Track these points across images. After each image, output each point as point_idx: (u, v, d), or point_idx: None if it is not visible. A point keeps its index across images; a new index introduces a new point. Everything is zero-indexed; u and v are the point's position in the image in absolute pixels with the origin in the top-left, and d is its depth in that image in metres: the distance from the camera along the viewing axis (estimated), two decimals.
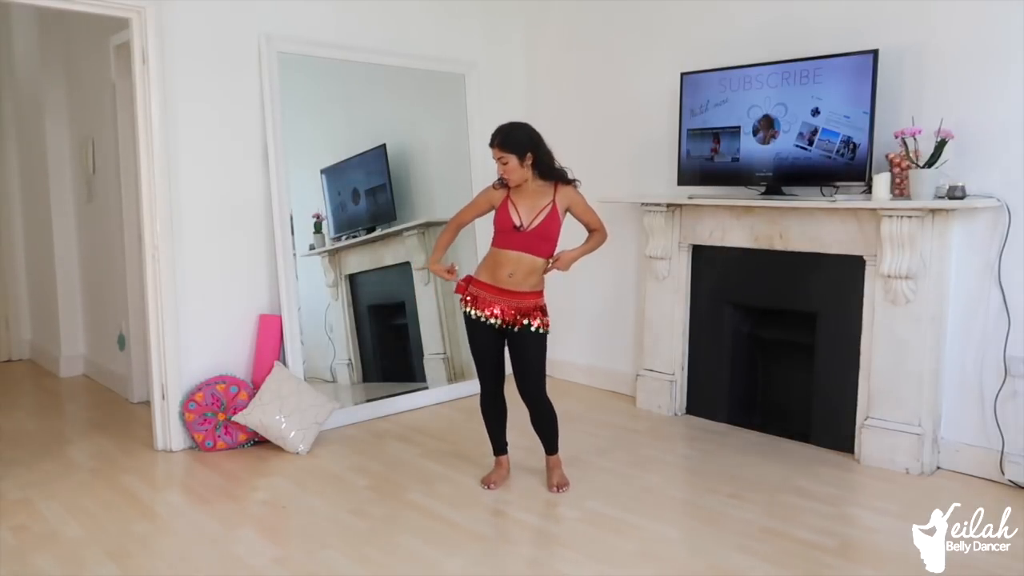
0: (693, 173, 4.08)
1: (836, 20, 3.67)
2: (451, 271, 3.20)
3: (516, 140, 3.04)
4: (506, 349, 3.21)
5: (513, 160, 3.03)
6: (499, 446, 3.36)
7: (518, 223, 3.07)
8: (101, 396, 4.81)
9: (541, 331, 3.13)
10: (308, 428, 3.74)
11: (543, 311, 3.16)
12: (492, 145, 3.07)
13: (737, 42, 4.01)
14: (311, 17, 4.12)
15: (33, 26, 5.16)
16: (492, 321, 3.10)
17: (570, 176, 3.16)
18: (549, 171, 3.11)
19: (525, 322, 3.10)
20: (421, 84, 4.57)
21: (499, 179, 3.15)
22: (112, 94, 4.43)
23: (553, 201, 3.10)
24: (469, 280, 3.20)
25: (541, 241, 3.08)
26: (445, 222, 4.52)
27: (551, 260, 3.14)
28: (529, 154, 3.04)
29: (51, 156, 5.13)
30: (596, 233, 3.24)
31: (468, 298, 3.16)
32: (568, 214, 3.17)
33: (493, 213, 3.17)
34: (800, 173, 3.68)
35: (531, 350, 3.14)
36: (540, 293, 3.17)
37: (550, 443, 3.31)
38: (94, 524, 2.98)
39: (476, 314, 3.13)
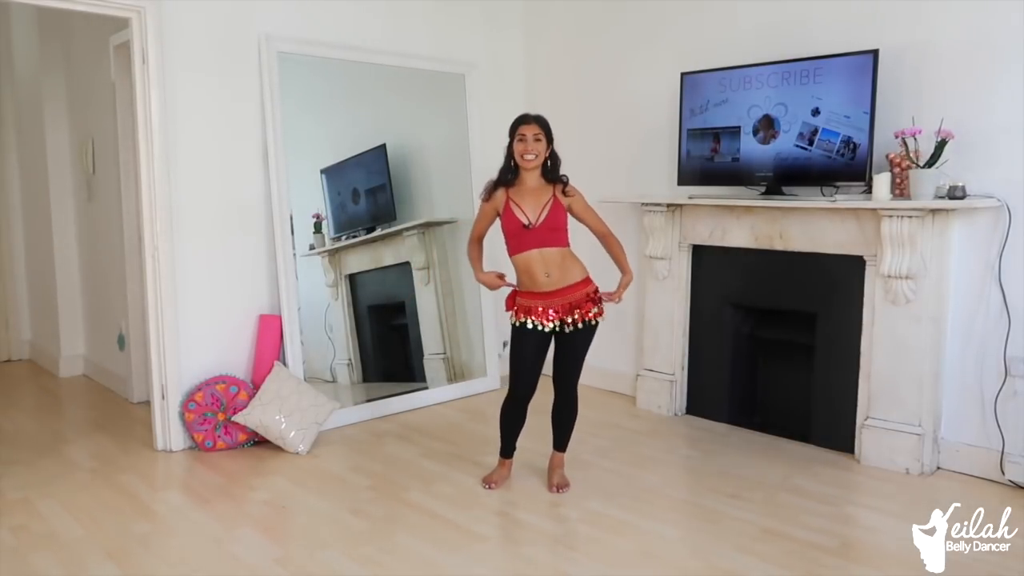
0: (693, 173, 4.08)
1: (836, 20, 3.67)
2: (501, 277, 3.19)
3: (548, 126, 3.12)
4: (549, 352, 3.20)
5: (544, 141, 3.08)
6: (508, 449, 3.33)
7: (526, 221, 3.07)
8: (101, 396, 4.81)
9: (593, 323, 3.13)
10: (308, 428, 3.73)
11: (595, 298, 3.14)
12: (527, 122, 3.08)
13: (737, 42, 4.02)
14: (311, 17, 4.13)
15: (33, 26, 5.16)
16: (551, 326, 3.09)
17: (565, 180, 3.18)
18: (556, 169, 3.15)
19: (587, 317, 3.09)
20: (421, 84, 4.57)
21: (495, 179, 3.16)
22: (112, 94, 4.43)
23: (554, 195, 3.11)
24: (516, 294, 3.18)
25: (553, 232, 3.08)
26: (445, 222, 4.61)
27: (613, 294, 3.17)
28: (551, 145, 3.12)
29: (51, 156, 5.13)
30: (611, 240, 3.22)
31: (518, 311, 3.13)
32: (568, 214, 3.17)
33: (499, 222, 3.17)
34: (800, 173, 3.68)
35: (583, 340, 3.16)
36: (587, 280, 3.15)
37: (562, 438, 3.31)
38: (94, 524, 2.98)
39: (533, 323, 3.09)
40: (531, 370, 3.17)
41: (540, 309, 3.09)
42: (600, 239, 3.25)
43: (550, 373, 3.25)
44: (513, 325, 3.16)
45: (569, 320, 3.09)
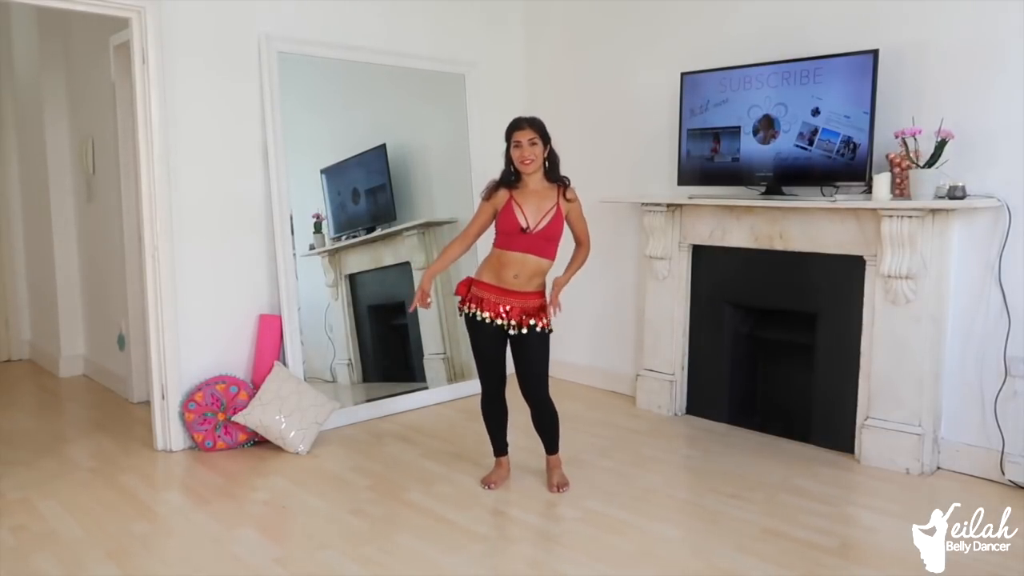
0: (693, 173, 4.08)
1: (836, 20, 3.67)
2: (428, 300, 3.17)
3: (543, 127, 3.11)
4: (508, 349, 3.21)
5: (540, 145, 3.08)
6: (499, 447, 3.35)
7: (525, 225, 3.06)
8: (101, 396, 4.81)
9: (546, 331, 3.14)
10: (308, 428, 3.73)
11: (544, 312, 3.16)
12: (521, 127, 3.07)
13: (737, 42, 4.01)
14: (311, 17, 4.13)
15: (33, 26, 5.16)
16: (498, 322, 3.10)
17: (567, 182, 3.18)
18: (556, 169, 3.15)
19: (531, 322, 3.10)
20: (421, 84, 4.57)
21: (498, 179, 3.15)
22: (112, 94, 4.43)
23: (557, 203, 3.11)
24: (471, 282, 3.19)
25: (546, 242, 3.09)
26: (445, 222, 4.60)
27: (551, 304, 3.15)
28: (548, 145, 3.12)
29: (51, 156, 5.13)
30: (582, 249, 3.25)
31: (469, 300, 3.16)
32: (565, 222, 3.17)
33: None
34: (800, 173, 3.68)
35: (535, 350, 3.14)
36: (543, 293, 3.18)
37: (551, 443, 3.31)
38: (94, 524, 2.98)
39: (481, 316, 3.12)
40: (494, 360, 3.20)
41: (492, 302, 3.10)
42: (577, 244, 3.25)
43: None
44: (465, 316, 3.17)
45: (513, 323, 3.09)
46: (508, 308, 3.10)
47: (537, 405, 3.22)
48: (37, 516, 3.05)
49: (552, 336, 3.20)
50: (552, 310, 3.15)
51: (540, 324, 3.11)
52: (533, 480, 3.37)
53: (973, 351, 3.39)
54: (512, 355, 3.19)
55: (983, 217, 3.32)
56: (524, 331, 3.10)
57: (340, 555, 2.73)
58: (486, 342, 3.17)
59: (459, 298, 3.20)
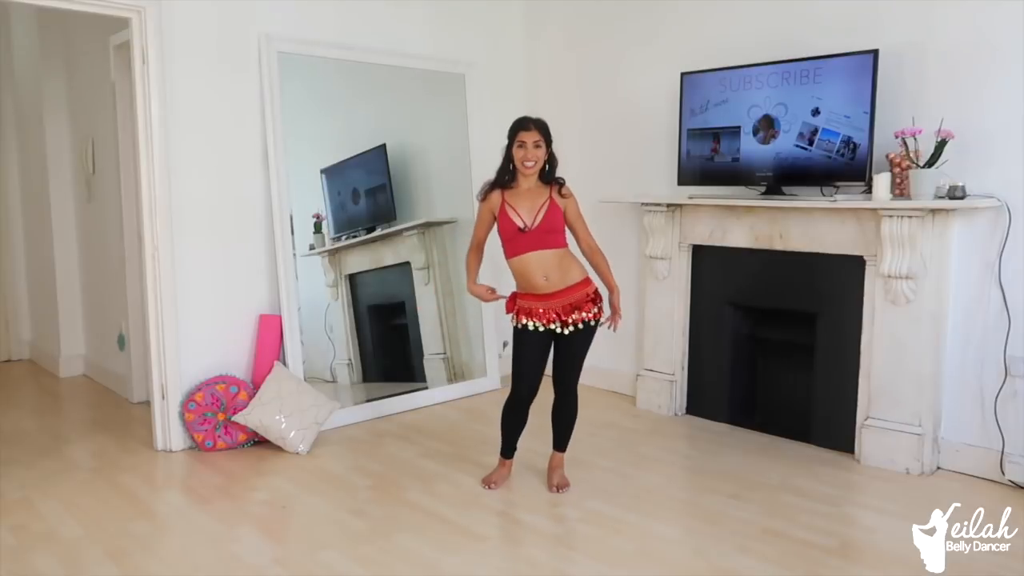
0: (693, 173, 4.08)
1: (836, 20, 3.67)
2: (492, 291, 3.19)
3: (548, 130, 3.11)
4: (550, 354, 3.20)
5: (544, 147, 3.07)
6: (509, 450, 3.33)
7: (522, 224, 3.06)
8: (101, 396, 4.81)
9: (593, 323, 3.13)
10: (308, 428, 3.73)
11: (595, 298, 3.14)
12: (527, 128, 3.06)
13: (737, 42, 4.01)
14: (311, 17, 4.13)
15: (33, 26, 5.16)
16: (552, 327, 3.08)
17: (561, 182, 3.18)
18: (553, 171, 3.14)
19: (584, 319, 3.09)
20: (421, 84, 4.57)
21: (493, 180, 3.15)
22: (112, 94, 4.43)
23: (550, 197, 3.11)
24: (516, 296, 3.18)
25: (549, 234, 3.08)
26: (445, 222, 4.61)
27: (609, 320, 3.19)
28: (550, 147, 3.11)
29: (51, 156, 5.13)
30: (597, 255, 3.23)
31: (518, 312, 3.13)
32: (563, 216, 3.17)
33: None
34: (800, 173, 3.68)
35: (581, 343, 3.15)
36: (586, 280, 3.14)
37: (563, 438, 3.31)
38: (93, 524, 2.98)
39: (534, 325, 3.09)
40: (533, 372, 3.17)
41: (541, 311, 3.09)
42: (586, 254, 3.23)
43: (550, 373, 3.25)
44: (514, 327, 3.16)
45: (570, 321, 3.08)
46: (556, 311, 3.08)
47: (564, 393, 3.24)
48: (37, 516, 3.05)
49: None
50: (614, 325, 3.20)
51: (589, 317, 3.10)
52: (533, 480, 3.37)
53: (973, 351, 3.40)
54: (556, 345, 3.18)
55: (983, 217, 3.32)
56: (579, 327, 3.09)
57: (340, 555, 2.73)
58: (533, 352, 3.14)
59: (512, 315, 3.18)
